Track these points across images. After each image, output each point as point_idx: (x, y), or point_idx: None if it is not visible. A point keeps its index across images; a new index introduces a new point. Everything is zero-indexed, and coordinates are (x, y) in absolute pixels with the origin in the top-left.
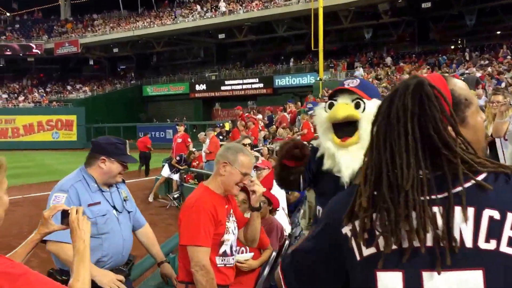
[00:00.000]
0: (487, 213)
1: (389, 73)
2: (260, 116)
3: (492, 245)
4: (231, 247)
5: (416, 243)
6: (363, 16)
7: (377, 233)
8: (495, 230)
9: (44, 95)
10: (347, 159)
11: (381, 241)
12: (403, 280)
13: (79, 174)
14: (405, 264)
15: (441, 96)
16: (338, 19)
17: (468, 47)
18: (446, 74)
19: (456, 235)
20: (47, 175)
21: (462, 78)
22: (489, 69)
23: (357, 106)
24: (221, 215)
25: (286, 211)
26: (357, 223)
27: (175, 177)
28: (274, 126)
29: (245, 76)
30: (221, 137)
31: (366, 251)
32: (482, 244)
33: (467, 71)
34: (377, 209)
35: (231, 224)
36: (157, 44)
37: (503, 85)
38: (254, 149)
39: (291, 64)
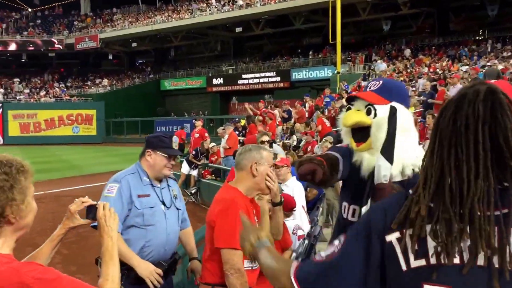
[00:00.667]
0: None
1: (408, 66)
2: (277, 112)
3: None
4: None
5: (471, 260)
6: (381, 7)
7: (433, 244)
8: None
9: (65, 89)
10: (367, 157)
11: (432, 253)
12: None
13: (134, 167)
14: (456, 280)
15: None
16: (356, 11)
17: (490, 39)
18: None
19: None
20: (69, 170)
21: (483, 71)
22: None
23: (368, 112)
24: (251, 219)
25: (306, 209)
26: (409, 231)
27: (194, 172)
28: (292, 121)
29: (262, 69)
30: (237, 132)
31: (415, 262)
32: None
33: (488, 63)
34: (436, 219)
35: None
36: (174, 38)
37: None
38: (273, 144)
39: (310, 57)
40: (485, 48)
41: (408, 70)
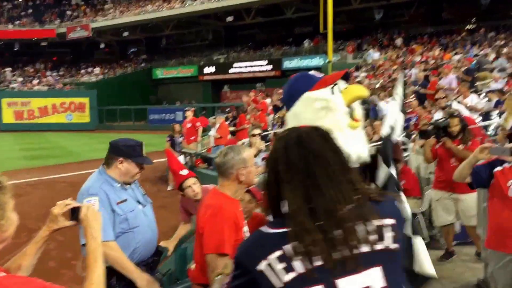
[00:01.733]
0: (375, 222)
1: (400, 55)
2: (269, 100)
3: (382, 245)
4: None
5: (329, 259)
6: None
7: (298, 258)
8: (382, 233)
9: (58, 78)
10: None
11: (298, 264)
12: None
13: (100, 177)
14: (323, 277)
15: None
16: (347, 0)
17: (483, 27)
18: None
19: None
20: (64, 157)
21: (476, 60)
22: (505, 50)
23: None
24: (240, 222)
25: None
26: (272, 256)
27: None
28: (284, 110)
29: (254, 58)
30: (227, 122)
31: (287, 277)
32: (376, 246)
33: (481, 52)
34: (296, 236)
35: (246, 227)
36: (166, 27)
37: None
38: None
39: (305, 45)
40: (478, 37)
41: (401, 59)
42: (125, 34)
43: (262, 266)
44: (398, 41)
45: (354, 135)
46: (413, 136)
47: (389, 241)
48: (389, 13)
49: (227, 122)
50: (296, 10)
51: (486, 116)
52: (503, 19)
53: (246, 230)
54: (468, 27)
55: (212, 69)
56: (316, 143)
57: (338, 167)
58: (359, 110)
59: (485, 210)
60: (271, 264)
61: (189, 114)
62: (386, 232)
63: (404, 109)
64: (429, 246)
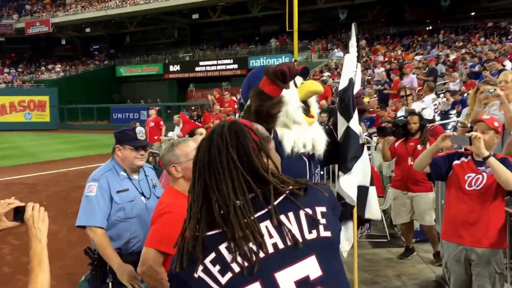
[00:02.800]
0: (302, 212)
1: (364, 55)
2: (234, 98)
3: (314, 234)
4: None
5: (261, 254)
6: None
7: (230, 257)
8: (313, 222)
9: (16, 75)
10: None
11: (233, 265)
12: (262, 286)
13: (110, 163)
14: (259, 273)
15: (251, 131)
16: None
17: (443, 29)
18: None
19: (286, 236)
20: (21, 158)
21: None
22: (463, 50)
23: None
24: None
25: None
26: (208, 259)
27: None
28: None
29: (220, 57)
30: (192, 120)
31: (224, 279)
32: (307, 235)
33: (441, 53)
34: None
35: None
36: (130, 24)
37: (476, 68)
38: None
39: (272, 45)
40: (438, 38)
41: (364, 59)
42: (88, 30)
43: (199, 271)
44: (363, 42)
45: (307, 129)
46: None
47: (321, 229)
48: (353, 13)
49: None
50: (262, 8)
51: (445, 115)
52: (462, 21)
53: None
54: (429, 28)
55: (177, 67)
56: (223, 138)
57: (237, 163)
58: (315, 108)
59: (443, 207)
60: (207, 268)
61: (153, 112)
62: (315, 220)
63: (359, 59)
64: (390, 243)
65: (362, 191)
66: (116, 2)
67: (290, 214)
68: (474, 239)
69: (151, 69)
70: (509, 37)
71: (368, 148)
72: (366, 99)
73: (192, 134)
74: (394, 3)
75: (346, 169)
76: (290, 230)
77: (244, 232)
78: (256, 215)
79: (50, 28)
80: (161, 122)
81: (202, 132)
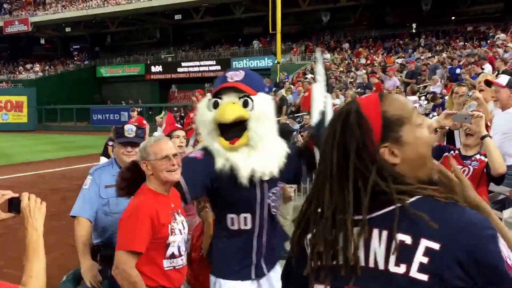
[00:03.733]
0: (399, 237)
1: (346, 58)
2: None
3: (402, 268)
4: (179, 248)
5: (341, 261)
6: None
7: (310, 249)
8: (406, 254)
9: None
10: (243, 158)
11: (312, 259)
12: None
13: (111, 159)
14: (333, 278)
15: (365, 123)
16: (296, 2)
17: (424, 33)
18: (389, 93)
19: (370, 256)
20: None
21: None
22: (444, 54)
23: (245, 104)
24: (164, 218)
25: None
26: (308, 236)
27: None
28: None
29: (202, 58)
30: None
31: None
32: (392, 268)
33: (422, 57)
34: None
35: (177, 225)
36: (111, 24)
37: (457, 71)
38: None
39: (255, 46)
40: (419, 41)
41: (346, 62)
42: (68, 29)
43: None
44: (346, 45)
45: (224, 153)
46: None
47: (413, 267)
48: (335, 16)
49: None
50: (245, 10)
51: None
52: (442, 25)
53: (176, 227)
54: (410, 31)
55: (159, 68)
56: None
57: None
58: (253, 132)
59: None
60: (307, 245)
61: (134, 114)
62: (410, 253)
63: (329, 89)
64: None
65: None
66: (97, 2)
67: (384, 233)
68: None
69: (132, 70)
70: (488, 41)
71: None
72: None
73: (170, 136)
74: (376, 6)
75: None
76: (375, 252)
77: (336, 234)
78: (351, 219)
79: (29, 27)
80: (144, 121)
81: (178, 135)
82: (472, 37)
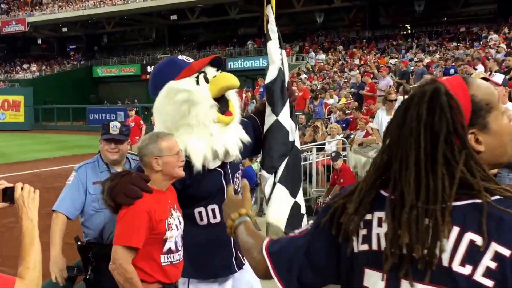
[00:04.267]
0: (468, 235)
1: (340, 58)
2: None
3: (467, 269)
4: (175, 244)
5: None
6: (315, 0)
7: (376, 231)
8: (473, 255)
9: None
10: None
11: (374, 240)
12: (386, 281)
13: (96, 156)
14: (391, 268)
15: (456, 106)
16: (290, 3)
17: (417, 33)
18: (471, 76)
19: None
20: None
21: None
22: (437, 55)
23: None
24: (160, 214)
25: None
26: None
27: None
28: None
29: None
30: None
31: (361, 246)
32: (456, 267)
33: (415, 58)
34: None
35: (174, 220)
36: (107, 24)
37: (451, 71)
38: None
39: (250, 47)
40: (412, 42)
41: (340, 62)
42: (64, 30)
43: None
44: (340, 47)
45: (222, 131)
46: (352, 135)
47: (479, 270)
48: (330, 17)
49: None
50: (240, 11)
51: None
52: (435, 26)
53: (172, 223)
54: (404, 32)
55: None
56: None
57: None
58: (235, 101)
59: None
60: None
61: (132, 113)
62: (478, 255)
63: (282, 44)
64: None
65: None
66: (93, 2)
67: (456, 229)
68: None
69: (128, 70)
70: (481, 42)
71: (344, 149)
72: (343, 100)
73: None
74: (370, 7)
75: (272, 168)
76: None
77: (410, 223)
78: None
79: (26, 27)
80: (141, 121)
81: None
82: (465, 38)
